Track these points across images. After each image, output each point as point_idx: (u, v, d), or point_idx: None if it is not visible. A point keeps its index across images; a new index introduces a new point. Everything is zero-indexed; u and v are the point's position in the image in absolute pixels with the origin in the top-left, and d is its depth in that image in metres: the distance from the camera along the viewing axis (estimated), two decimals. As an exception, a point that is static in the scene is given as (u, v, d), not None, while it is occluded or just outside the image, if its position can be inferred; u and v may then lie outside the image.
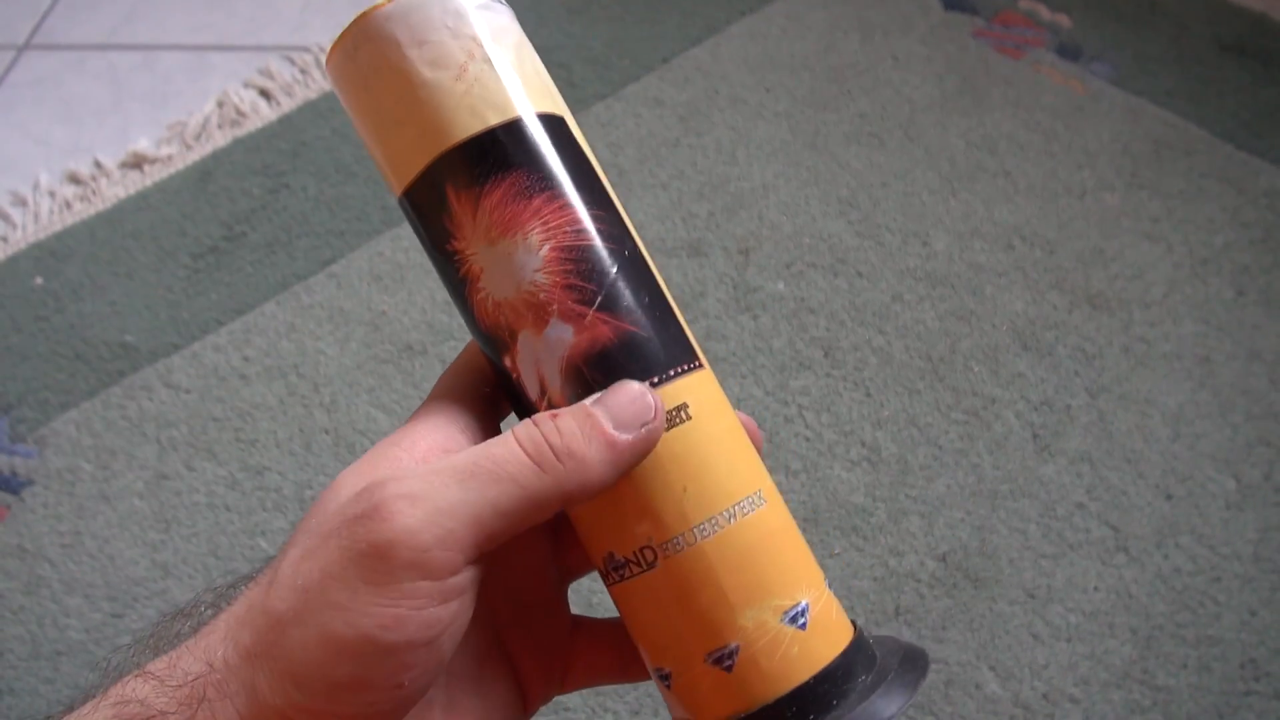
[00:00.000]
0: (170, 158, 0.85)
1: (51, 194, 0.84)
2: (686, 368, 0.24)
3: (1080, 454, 0.63)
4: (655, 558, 0.23)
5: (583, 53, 0.89)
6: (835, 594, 0.25)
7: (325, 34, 0.95)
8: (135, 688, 0.20)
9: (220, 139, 0.86)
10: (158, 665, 0.20)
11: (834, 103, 0.84)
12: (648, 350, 0.24)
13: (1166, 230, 0.74)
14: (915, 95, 0.84)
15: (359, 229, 0.78)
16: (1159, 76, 0.84)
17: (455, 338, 0.71)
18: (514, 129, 0.24)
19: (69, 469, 0.67)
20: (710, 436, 0.24)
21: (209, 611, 0.22)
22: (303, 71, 0.91)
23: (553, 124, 0.25)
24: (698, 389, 0.24)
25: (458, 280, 0.25)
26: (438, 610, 0.20)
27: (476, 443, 0.23)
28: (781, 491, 0.26)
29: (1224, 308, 0.69)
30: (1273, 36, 0.86)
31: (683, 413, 0.24)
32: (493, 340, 0.25)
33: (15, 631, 0.60)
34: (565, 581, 0.28)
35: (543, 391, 0.24)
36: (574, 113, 0.27)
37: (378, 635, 0.19)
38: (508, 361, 0.24)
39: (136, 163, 0.85)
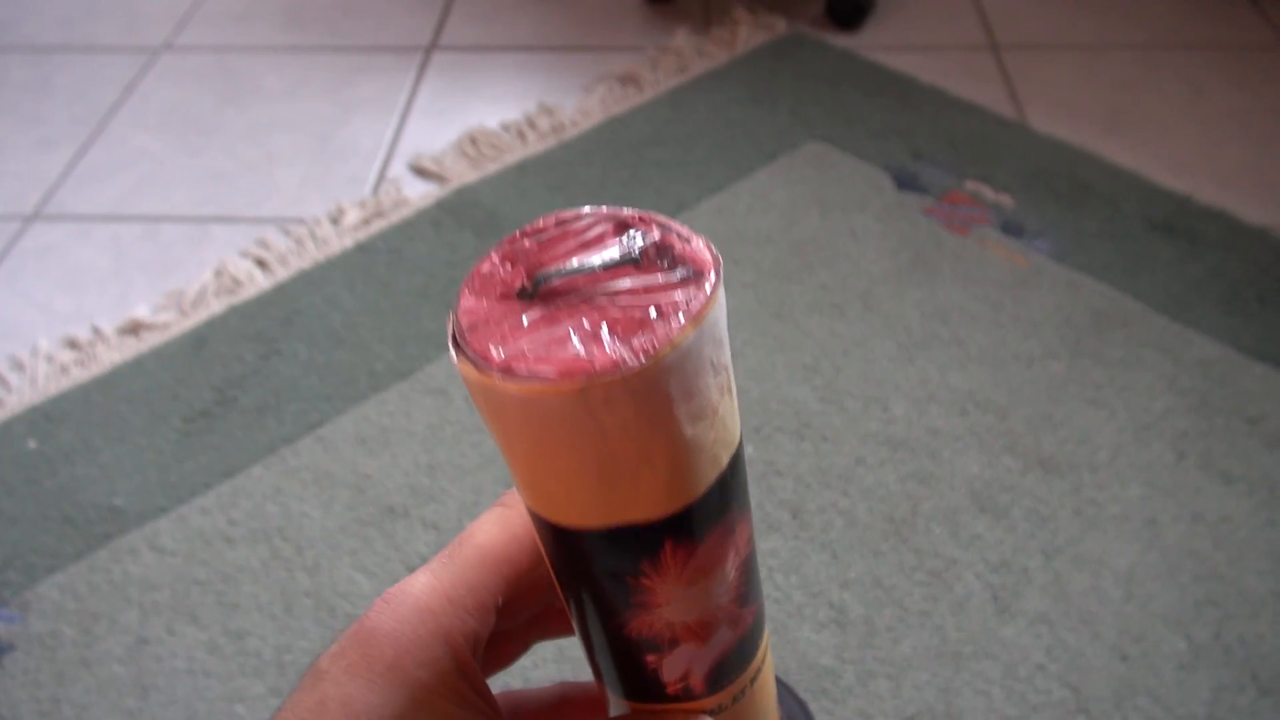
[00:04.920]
0: (167, 324, 0.89)
1: (49, 359, 0.87)
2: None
3: (1039, 615, 0.66)
4: None
5: (562, 227, 0.96)
6: None
7: (320, 207, 1.01)
8: None
9: (216, 306, 0.90)
10: None
11: (797, 275, 0.90)
12: (763, 616, 0.25)
13: (1109, 397, 0.79)
14: (872, 268, 0.90)
15: (346, 394, 0.82)
16: (1095, 252, 0.91)
17: (436, 500, 0.74)
18: (736, 460, 0.21)
19: (51, 634, 0.67)
20: (770, 659, 0.27)
21: None
22: (297, 242, 0.97)
23: (742, 445, 0.22)
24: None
25: (625, 601, 0.22)
26: None
27: (478, 655, 0.24)
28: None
29: (1166, 471, 0.73)
30: (1197, 216, 0.94)
31: (766, 648, 0.26)
32: (642, 645, 0.23)
33: (-15, 804, 0.60)
34: None
35: (683, 678, 0.24)
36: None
37: None
38: (651, 659, 0.23)
39: (134, 329, 0.89)
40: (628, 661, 0.23)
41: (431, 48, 1.25)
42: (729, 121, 1.08)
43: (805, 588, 0.68)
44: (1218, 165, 1.02)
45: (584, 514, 0.20)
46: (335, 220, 0.99)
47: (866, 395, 0.80)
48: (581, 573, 0.22)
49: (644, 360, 0.17)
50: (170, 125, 1.14)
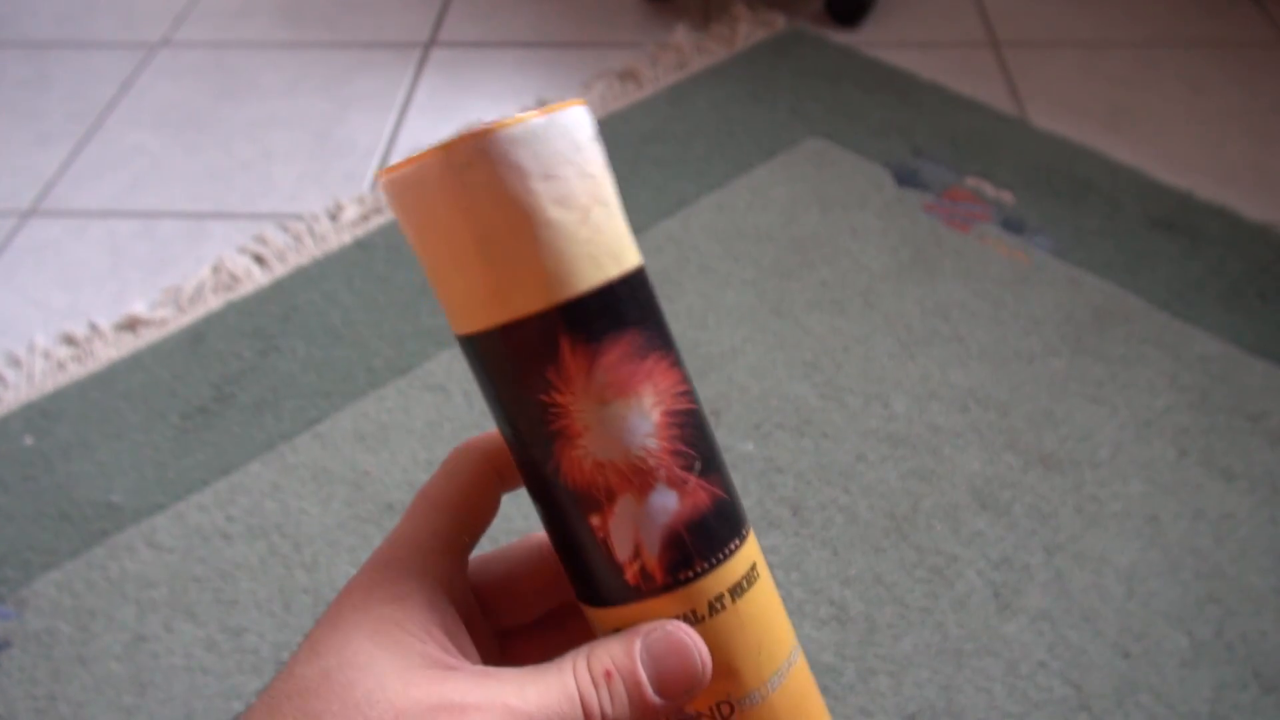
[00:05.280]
0: (164, 320, 0.89)
1: (46, 355, 0.86)
2: (748, 522, 0.26)
3: (1040, 612, 0.66)
4: (731, 713, 0.25)
5: (562, 223, 0.95)
6: None
7: (318, 203, 1.01)
8: None
9: (214, 302, 0.90)
10: None
11: (797, 271, 0.90)
12: (733, 513, 0.25)
13: (1110, 394, 0.78)
14: (872, 265, 0.90)
15: (345, 390, 0.82)
16: (1096, 249, 0.91)
17: (436, 497, 0.73)
18: (630, 282, 0.24)
19: (47, 631, 0.67)
20: (771, 590, 0.26)
21: None
22: (296, 238, 0.96)
23: (645, 276, 0.25)
24: (754, 541, 0.26)
25: (547, 433, 0.24)
26: None
27: (458, 601, 0.25)
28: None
29: (1168, 468, 0.73)
30: (1198, 213, 0.94)
31: (754, 571, 0.25)
32: (580, 497, 0.24)
33: (-19, 802, 0.59)
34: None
35: (636, 555, 0.24)
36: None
37: None
38: (595, 520, 0.24)
39: (131, 325, 0.89)
40: (579, 534, 0.24)
41: (430, 44, 1.25)
42: (728, 118, 1.08)
43: (806, 585, 0.67)
44: (1218, 162, 1.02)
45: (483, 306, 0.23)
46: (334, 216, 0.99)
47: (867, 392, 0.79)
48: (506, 402, 0.24)
49: (493, 126, 0.22)
50: (167, 121, 1.14)
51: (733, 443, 0.76)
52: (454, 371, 0.82)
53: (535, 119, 0.23)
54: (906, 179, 0.98)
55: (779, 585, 0.68)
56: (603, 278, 0.23)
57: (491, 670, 0.24)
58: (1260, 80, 1.13)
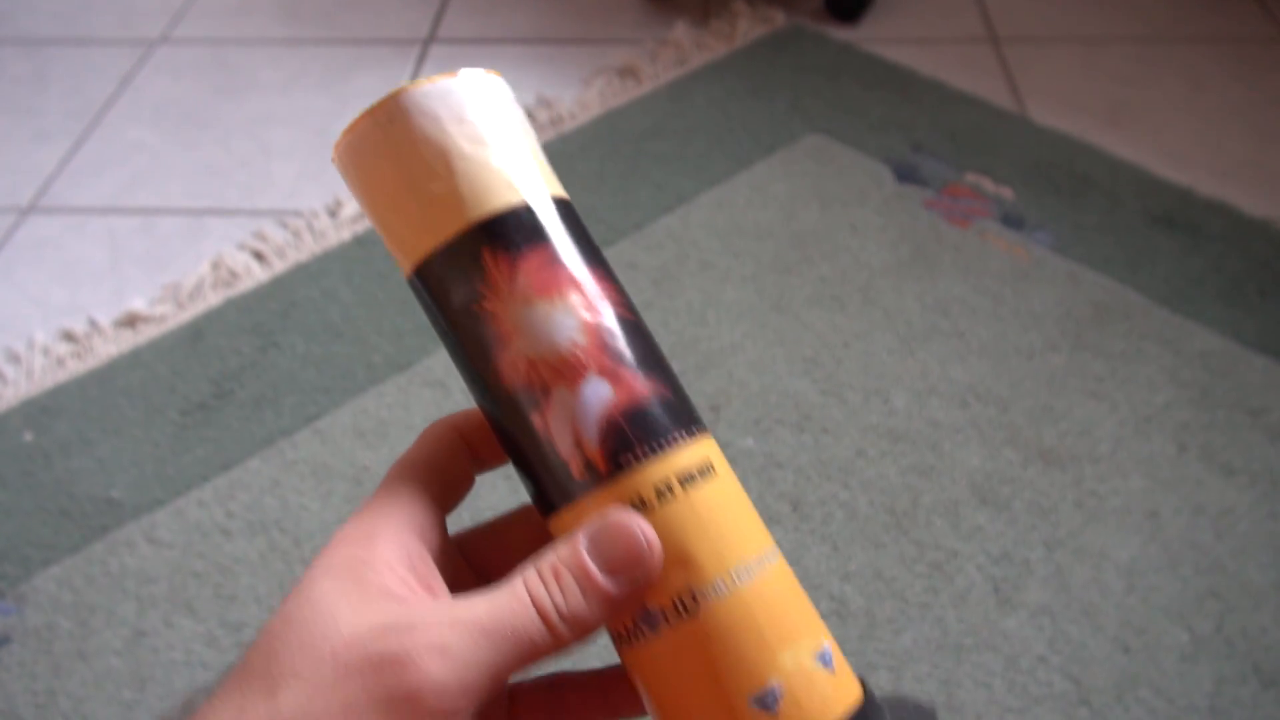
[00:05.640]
0: (164, 317, 0.89)
1: (45, 351, 0.86)
2: (704, 426, 0.27)
3: (1040, 607, 0.66)
4: (696, 604, 0.24)
5: (561, 219, 0.95)
6: None
7: (317, 199, 1.01)
8: None
9: (213, 299, 0.90)
10: None
11: (797, 267, 0.90)
12: (678, 408, 0.26)
13: (1110, 389, 0.78)
14: (872, 261, 0.90)
15: (344, 386, 0.82)
16: (1096, 245, 0.90)
17: (435, 493, 0.73)
18: (549, 206, 0.26)
19: (47, 626, 0.67)
20: (734, 489, 0.26)
21: None
22: (295, 235, 0.96)
23: (570, 207, 0.27)
24: (714, 447, 0.27)
25: (485, 341, 0.26)
26: None
27: (432, 546, 0.26)
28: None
29: (1168, 464, 0.73)
30: (1198, 209, 0.94)
31: (711, 468, 0.26)
32: (520, 399, 0.25)
33: (-19, 798, 0.59)
34: None
35: (577, 445, 0.25)
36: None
37: None
38: (536, 419, 0.25)
39: (130, 321, 0.89)
40: (527, 439, 0.25)
41: (430, 40, 1.25)
42: (728, 114, 1.07)
43: (806, 580, 0.67)
44: (1218, 158, 1.02)
45: (419, 239, 0.26)
46: (333, 213, 0.99)
47: (867, 388, 0.79)
48: (451, 325, 0.26)
49: (407, 86, 0.26)
50: (166, 118, 1.14)
51: (732, 438, 0.76)
52: (453, 368, 0.82)
53: (445, 79, 0.26)
54: (906, 175, 0.98)
55: (779, 580, 0.68)
56: (518, 199, 0.26)
57: (447, 599, 0.24)
58: (1260, 76, 1.13)
